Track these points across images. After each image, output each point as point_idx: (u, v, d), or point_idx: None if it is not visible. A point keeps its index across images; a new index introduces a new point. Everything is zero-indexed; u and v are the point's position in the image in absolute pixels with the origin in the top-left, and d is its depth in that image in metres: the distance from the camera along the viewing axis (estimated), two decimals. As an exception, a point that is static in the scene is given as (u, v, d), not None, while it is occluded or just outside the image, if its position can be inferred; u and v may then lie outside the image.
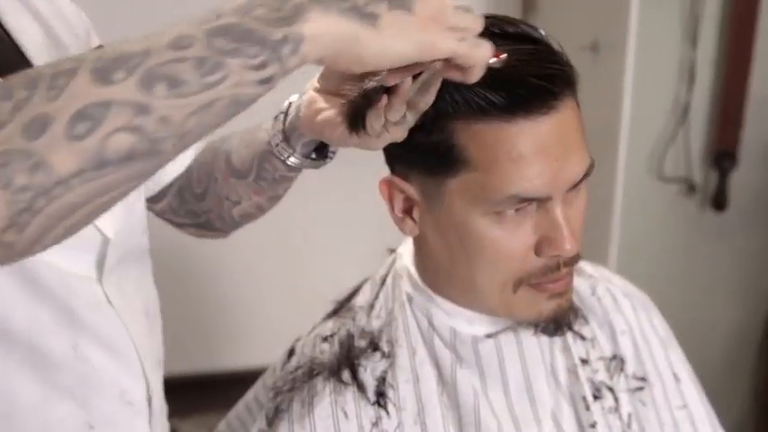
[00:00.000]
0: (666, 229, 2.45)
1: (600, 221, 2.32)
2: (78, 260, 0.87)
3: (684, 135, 2.35)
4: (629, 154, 2.28)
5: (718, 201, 2.40)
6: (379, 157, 0.97)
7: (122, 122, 0.56)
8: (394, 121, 0.80)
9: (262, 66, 0.60)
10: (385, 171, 0.97)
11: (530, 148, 0.85)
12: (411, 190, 0.94)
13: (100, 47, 0.69)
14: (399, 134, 0.82)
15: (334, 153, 0.97)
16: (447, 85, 0.80)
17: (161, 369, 1.04)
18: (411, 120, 0.82)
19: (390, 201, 0.96)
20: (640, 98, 2.26)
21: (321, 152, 0.97)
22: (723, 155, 2.37)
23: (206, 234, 1.18)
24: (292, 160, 0.96)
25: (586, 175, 0.91)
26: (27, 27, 0.91)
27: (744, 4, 2.26)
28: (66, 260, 0.84)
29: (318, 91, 0.88)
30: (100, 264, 0.90)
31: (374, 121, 0.80)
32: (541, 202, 0.89)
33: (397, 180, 0.94)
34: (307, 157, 0.96)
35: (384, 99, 0.78)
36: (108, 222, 0.89)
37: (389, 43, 0.65)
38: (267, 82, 0.61)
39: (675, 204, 2.43)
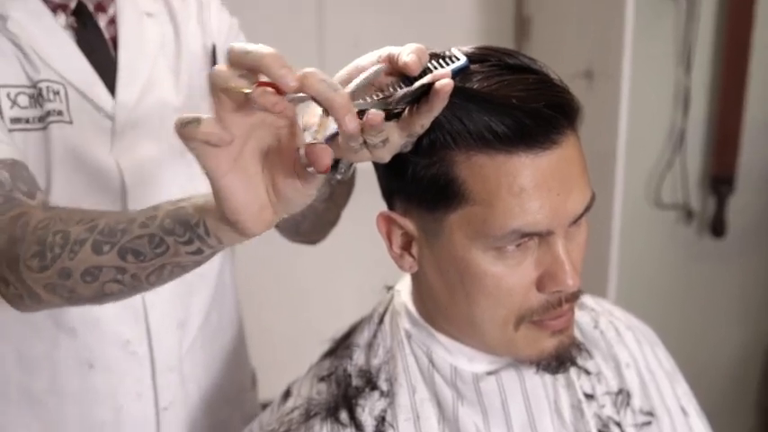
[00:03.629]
0: (665, 255, 2.43)
1: (598, 249, 2.30)
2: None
3: (681, 161, 2.34)
4: (626, 181, 2.27)
5: (717, 227, 2.39)
6: (377, 191, 0.96)
7: (110, 277, 0.87)
8: (372, 145, 0.79)
9: (189, 242, 0.81)
10: (382, 206, 0.95)
11: (531, 183, 0.84)
12: (410, 225, 0.92)
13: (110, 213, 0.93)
14: (381, 155, 0.81)
15: (346, 168, 0.95)
16: (447, 114, 0.79)
17: (181, 331, 1.25)
18: (408, 144, 0.82)
19: (388, 237, 0.94)
20: (636, 125, 2.25)
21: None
22: (720, 180, 2.36)
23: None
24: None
25: (588, 208, 0.89)
26: (147, 30, 1.24)
27: (737, 29, 2.26)
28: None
29: None
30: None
31: (348, 140, 0.78)
32: (543, 237, 0.87)
33: (396, 215, 0.92)
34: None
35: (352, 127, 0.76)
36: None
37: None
38: (198, 254, 0.82)
39: (674, 231, 2.41)
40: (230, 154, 0.71)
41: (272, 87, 0.68)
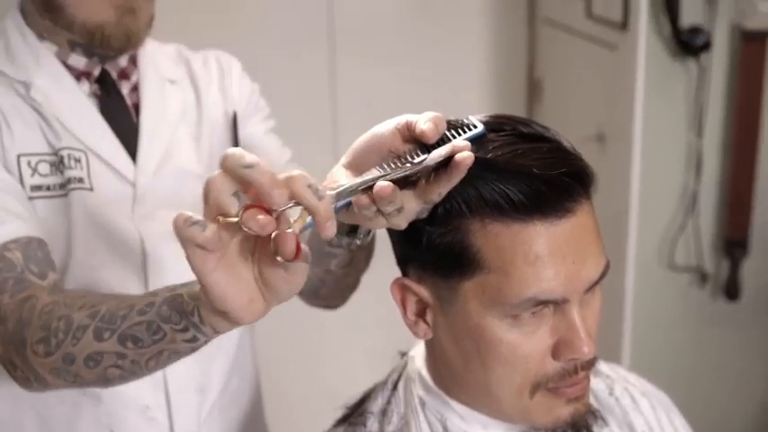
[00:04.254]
0: (679, 318, 2.42)
1: (611, 312, 2.29)
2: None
3: (694, 224, 2.34)
4: (639, 244, 2.27)
5: (731, 290, 2.38)
6: (391, 257, 0.96)
7: (111, 363, 0.89)
8: (387, 213, 0.80)
9: (184, 329, 0.81)
10: (397, 271, 0.96)
11: (546, 251, 0.84)
12: (424, 293, 0.92)
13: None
14: (397, 222, 0.82)
15: (364, 234, 0.96)
16: (463, 183, 0.80)
17: (200, 397, 1.25)
18: (424, 211, 0.83)
19: (403, 304, 0.94)
20: (648, 188, 2.25)
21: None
22: (734, 243, 2.35)
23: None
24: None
25: (603, 276, 0.89)
26: (169, 97, 1.27)
27: (748, 91, 2.27)
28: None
29: (345, 166, 0.88)
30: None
31: (361, 209, 0.79)
32: (558, 304, 0.87)
33: (410, 283, 0.93)
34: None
35: (364, 198, 0.78)
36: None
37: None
38: (193, 341, 0.82)
39: (687, 294, 2.40)
40: (217, 253, 0.71)
41: (260, 207, 0.69)
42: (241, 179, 0.69)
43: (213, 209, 0.69)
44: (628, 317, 2.30)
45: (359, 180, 0.80)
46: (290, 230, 0.70)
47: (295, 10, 2.77)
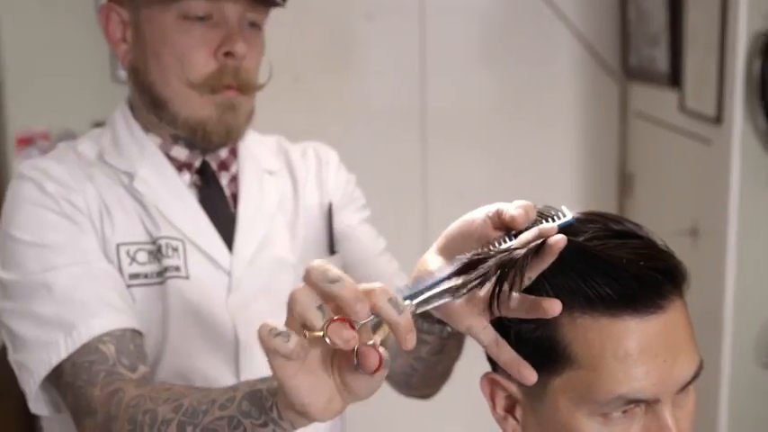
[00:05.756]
0: (777, 421, 2.33)
1: (706, 413, 2.22)
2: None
3: (792, 322, 2.27)
4: (734, 343, 2.21)
5: (832, 392, 2.28)
6: (479, 352, 0.96)
7: None
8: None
9: (264, 425, 0.84)
10: (485, 366, 0.95)
11: (636, 348, 0.83)
12: (513, 388, 0.92)
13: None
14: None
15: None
16: (553, 272, 0.81)
17: None
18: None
19: (492, 399, 0.94)
20: (744, 284, 2.20)
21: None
22: (834, 343, 2.27)
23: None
24: None
25: (696, 376, 0.87)
26: (267, 188, 1.31)
27: None
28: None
29: (437, 252, 0.89)
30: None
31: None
32: (650, 404, 0.85)
33: (499, 377, 0.92)
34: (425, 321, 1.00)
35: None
36: None
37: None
38: None
39: (786, 395, 2.32)
40: (299, 361, 0.74)
41: (344, 320, 0.72)
42: (326, 294, 0.72)
43: (298, 321, 0.72)
44: (722, 418, 2.23)
45: (439, 289, 0.80)
46: (371, 342, 0.72)
47: (389, 102, 2.84)
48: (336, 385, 0.77)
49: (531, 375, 0.86)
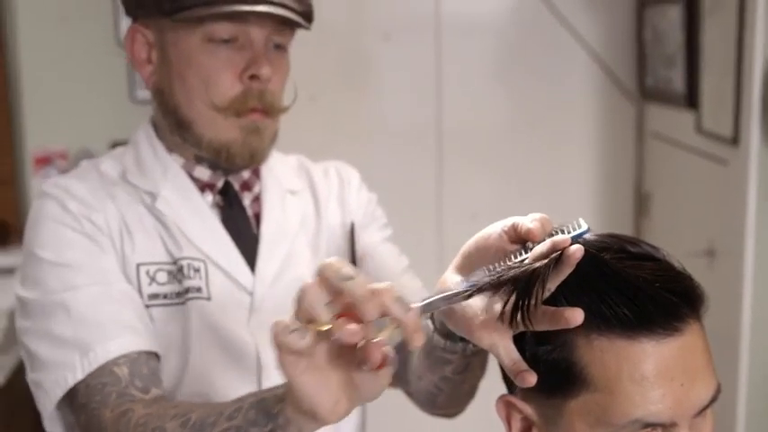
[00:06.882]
0: (795, 445, 2.31)
1: (723, 436, 2.21)
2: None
3: (811, 345, 2.25)
4: (752, 366, 2.19)
5: None
6: (495, 373, 0.96)
7: None
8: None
9: None
10: (500, 388, 0.95)
11: (653, 371, 0.83)
12: (529, 410, 0.92)
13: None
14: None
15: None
16: (571, 293, 0.81)
17: None
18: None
19: (508, 421, 0.94)
20: (761, 306, 2.19)
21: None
22: None
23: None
24: (436, 338, 1.02)
25: (714, 399, 0.87)
26: (289, 208, 1.31)
27: None
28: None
29: (455, 270, 0.91)
30: None
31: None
32: (666, 427, 0.85)
33: (515, 400, 0.92)
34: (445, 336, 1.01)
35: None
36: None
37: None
38: None
39: (805, 420, 2.30)
40: (308, 357, 0.76)
41: (351, 316, 0.74)
42: (337, 290, 0.73)
43: (305, 314, 0.74)
44: (740, 440, 2.21)
45: (447, 293, 0.81)
46: (376, 339, 0.74)
47: (405, 122, 2.85)
48: (343, 385, 0.78)
49: (530, 377, 0.85)
